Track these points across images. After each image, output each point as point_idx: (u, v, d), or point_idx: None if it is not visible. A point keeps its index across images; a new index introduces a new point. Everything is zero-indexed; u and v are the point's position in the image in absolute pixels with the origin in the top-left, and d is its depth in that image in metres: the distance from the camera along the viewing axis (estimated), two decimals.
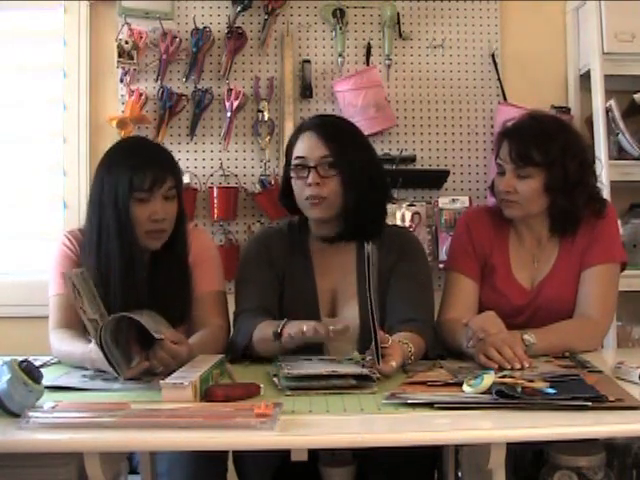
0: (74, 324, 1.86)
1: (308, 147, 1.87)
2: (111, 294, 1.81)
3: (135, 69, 2.78)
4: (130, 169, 1.84)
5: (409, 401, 1.33)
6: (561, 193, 1.90)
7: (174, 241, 1.93)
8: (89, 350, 1.67)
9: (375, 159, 1.97)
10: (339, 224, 1.90)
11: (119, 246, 1.84)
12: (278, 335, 1.66)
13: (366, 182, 1.87)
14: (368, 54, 2.90)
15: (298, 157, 1.88)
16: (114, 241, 1.84)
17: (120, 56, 2.72)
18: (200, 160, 2.84)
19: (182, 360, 1.57)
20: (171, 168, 1.91)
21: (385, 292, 1.89)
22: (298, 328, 1.60)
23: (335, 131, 1.90)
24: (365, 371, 1.48)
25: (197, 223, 2.76)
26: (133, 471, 1.87)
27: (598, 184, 2.02)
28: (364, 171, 1.87)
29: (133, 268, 1.85)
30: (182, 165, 2.74)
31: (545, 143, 1.89)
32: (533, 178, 1.90)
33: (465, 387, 1.37)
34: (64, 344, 1.80)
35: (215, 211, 2.77)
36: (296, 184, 1.89)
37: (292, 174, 1.90)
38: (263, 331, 1.75)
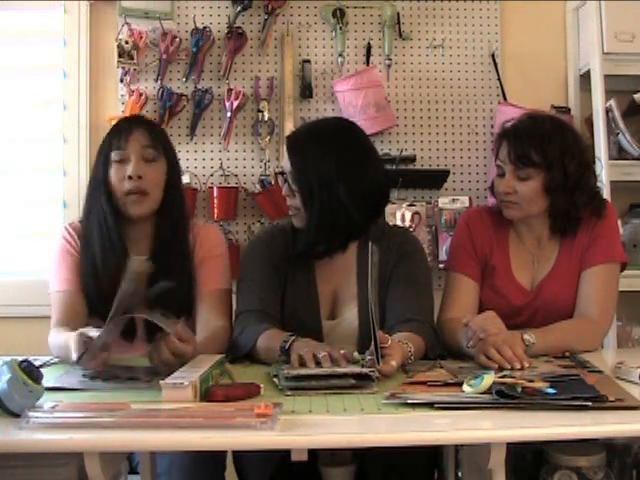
0: (74, 322, 1.86)
1: (284, 159, 1.92)
2: (96, 267, 1.87)
3: (135, 69, 2.78)
4: (110, 135, 1.94)
5: (409, 401, 1.33)
6: (561, 194, 1.90)
7: (168, 208, 1.94)
8: (65, 339, 1.66)
9: (347, 169, 1.84)
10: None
11: (97, 215, 1.91)
12: (286, 351, 1.65)
13: (324, 198, 1.83)
14: (368, 54, 2.90)
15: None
16: (95, 210, 1.91)
17: (120, 56, 2.72)
18: (200, 160, 2.84)
19: (186, 359, 1.56)
20: (148, 127, 1.95)
21: (385, 292, 1.89)
22: (310, 351, 1.55)
23: (299, 146, 1.89)
24: (365, 371, 1.48)
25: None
26: (133, 471, 1.87)
27: (598, 184, 2.02)
28: (322, 187, 1.83)
29: (110, 237, 1.89)
30: (182, 165, 2.73)
31: (544, 144, 1.89)
32: (532, 179, 1.90)
33: (465, 387, 1.37)
34: (55, 338, 1.80)
35: (215, 211, 2.77)
36: None
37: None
38: (269, 342, 1.74)
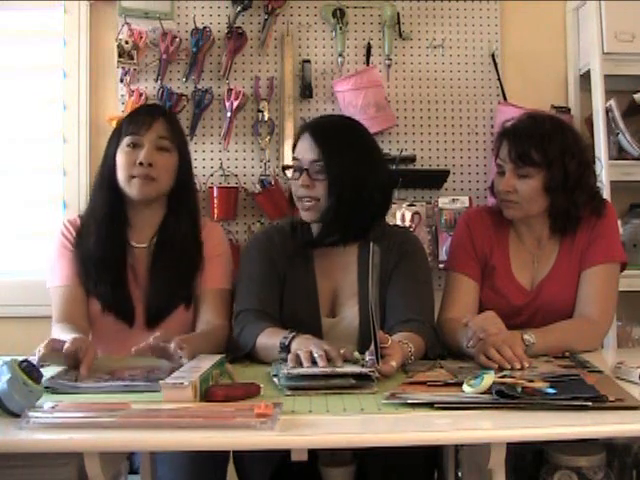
0: (75, 317, 1.88)
1: (303, 149, 1.89)
2: (91, 251, 1.91)
3: (135, 69, 2.78)
4: (128, 121, 1.95)
5: (409, 401, 1.33)
6: (561, 193, 1.90)
7: (177, 199, 1.96)
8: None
9: (371, 161, 1.90)
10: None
11: (99, 198, 1.95)
12: (286, 348, 1.64)
13: (355, 189, 1.84)
14: (368, 54, 2.90)
15: (294, 158, 1.91)
16: (97, 195, 1.96)
17: (120, 56, 2.72)
18: (200, 160, 2.84)
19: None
20: (168, 119, 1.97)
21: (385, 292, 1.89)
22: (307, 349, 1.54)
23: (328, 135, 1.89)
24: (365, 370, 1.47)
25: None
26: (135, 472, 1.86)
27: (598, 184, 2.03)
28: (352, 176, 1.84)
29: (110, 219, 1.92)
30: None
31: (544, 143, 1.89)
32: (532, 178, 1.90)
33: (465, 387, 1.37)
34: (62, 336, 1.80)
35: (215, 211, 2.77)
36: (292, 185, 1.93)
37: (288, 174, 1.93)
38: (269, 340, 1.74)
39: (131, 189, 1.90)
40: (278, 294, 1.93)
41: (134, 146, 1.90)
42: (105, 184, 1.95)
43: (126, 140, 1.91)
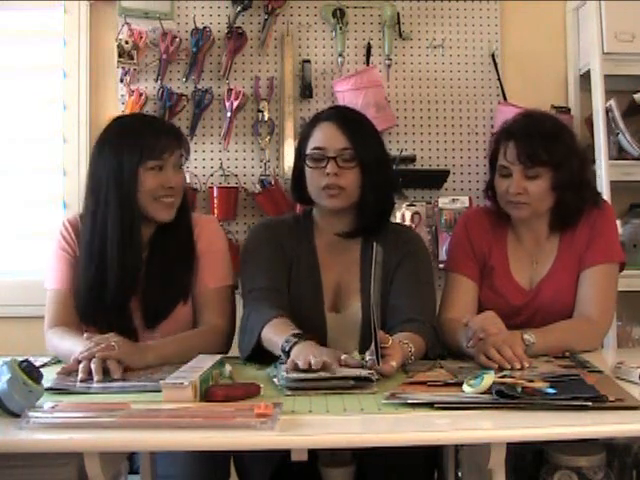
0: (70, 323, 1.85)
1: (327, 138, 1.87)
2: (108, 271, 1.82)
3: (135, 69, 2.78)
4: (141, 139, 1.84)
5: (409, 401, 1.33)
6: (570, 190, 1.91)
7: (177, 218, 1.92)
8: (70, 348, 1.68)
9: (387, 152, 2.01)
10: (353, 217, 1.92)
11: (119, 219, 1.83)
12: (286, 353, 1.60)
13: (383, 174, 1.90)
14: (368, 54, 2.90)
15: (316, 148, 1.88)
16: (115, 215, 1.83)
17: (120, 56, 2.72)
18: (200, 160, 2.84)
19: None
20: (180, 136, 1.95)
21: (387, 290, 1.88)
22: (306, 360, 1.48)
23: (354, 123, 1.91)
24: (364, 373, 1.47)
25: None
26: (135, 472, 1.86)
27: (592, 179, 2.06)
28: (381, 163, 1.90)
29: (131, 243, 1.84)
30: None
31: (552, 143, 1.89)
32: (542, 177, 1.90)
33: (465, 387, 1.37)
34: (65, 341, 1.79)
35: (215, 211, 2.77)
36: (312, 174, 1.89)
37: (309, 164, 1.89)
38: (274, 335, 1.69)
39: (158, 213, 1.87)
40: (286, 274, 1.90)
41: (159, 168, 1.85)
42: (125, 203, 1.84)
43: (149, 164, 1.83)
